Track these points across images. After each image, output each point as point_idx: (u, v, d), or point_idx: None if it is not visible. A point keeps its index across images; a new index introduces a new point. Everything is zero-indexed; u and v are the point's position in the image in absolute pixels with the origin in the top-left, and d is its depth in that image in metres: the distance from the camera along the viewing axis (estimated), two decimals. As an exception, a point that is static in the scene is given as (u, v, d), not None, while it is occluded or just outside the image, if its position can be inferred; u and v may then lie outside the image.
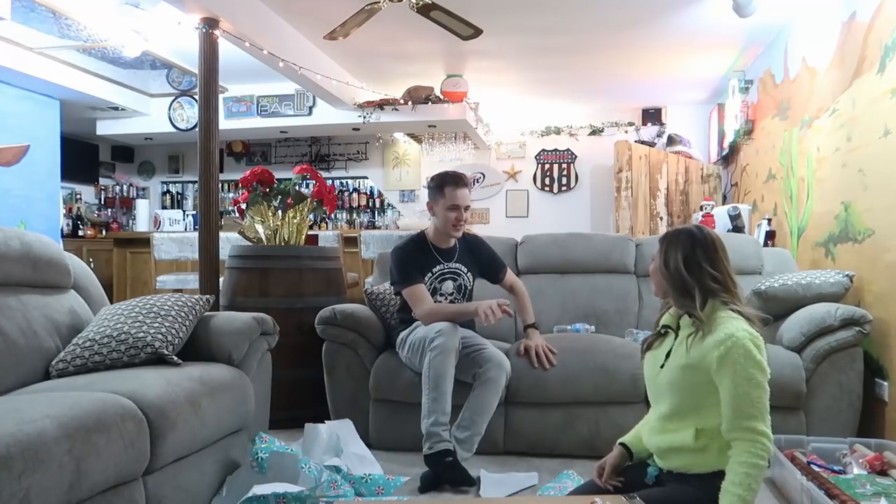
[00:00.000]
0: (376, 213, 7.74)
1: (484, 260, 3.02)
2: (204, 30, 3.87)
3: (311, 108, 6.56)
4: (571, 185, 7.47)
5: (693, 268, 1.66)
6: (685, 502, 1.60)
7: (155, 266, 5.25)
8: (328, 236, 5.23)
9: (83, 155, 7.46)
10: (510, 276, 3.08)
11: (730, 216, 4.53)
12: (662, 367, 1.70)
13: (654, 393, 1.79)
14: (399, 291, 2.87)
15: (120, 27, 4.74)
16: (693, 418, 1.62)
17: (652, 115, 7.09)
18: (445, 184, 2.79)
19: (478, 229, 6.81)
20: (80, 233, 7.12)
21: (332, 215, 7.50)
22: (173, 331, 2.32)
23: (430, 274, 2.85)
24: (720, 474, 1.57)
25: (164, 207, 7.94)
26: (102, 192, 7.84)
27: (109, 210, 7.80)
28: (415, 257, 2.85)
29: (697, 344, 1.61)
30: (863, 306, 2.92)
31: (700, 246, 1.68)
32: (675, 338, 1.72)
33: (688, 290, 1.66)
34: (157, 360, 2.25)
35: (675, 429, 1.64)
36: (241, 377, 2.39)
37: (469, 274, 2.94)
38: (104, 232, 7.34)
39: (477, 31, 3.92)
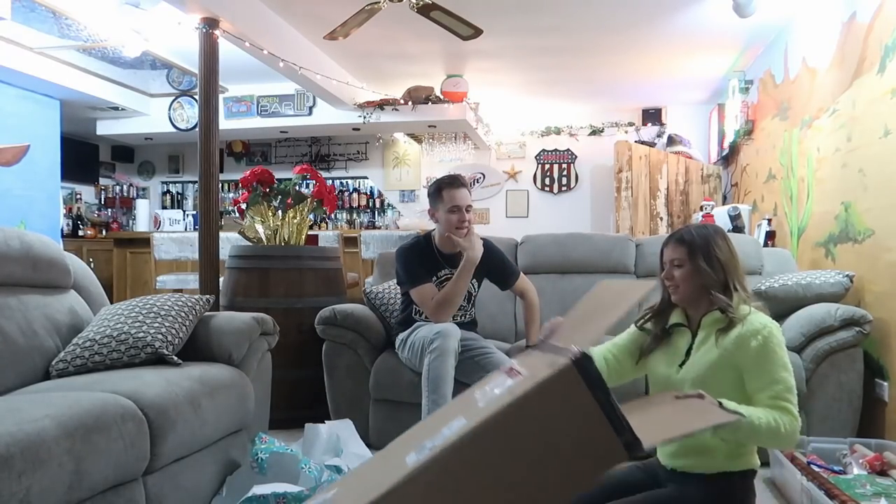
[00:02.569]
0: (376, 213, 7.74)
1: (493, 266, 2.94)
2: (204, 30, 3.87)
3: (311, 108, 6.56)
4: (571, 186, 7.47)
5: (733, 260, 1.68)
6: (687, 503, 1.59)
7: (155, 266, 5.25)
8: (328, 236, 5.23)
9: (83, 155, 7.46)
10: (522, 283, 2.97)
11: (730, 216, 4.53)
12: (682, 364, 1.68)
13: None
14: (406, 291, 2.87)
15: (120, 27, 4.74)
16: None
17: (652, 116, 7.09)
18: (442, 187, 2.76)
19: (478, 229, 6.81)
20: (80, 233, 7.12)
21: (332, 215, 7.50)
22: (173, 331, 2.32)
23: (434, 278, 2.84)
24: (724, 475, 1.57)
25: (164, 207, 7.94)
26: (102, 192, 7.84)
27: (109, 210, 7.80)
28: (420, 258, 2.84)
29: (726, 337, 1.60)
30: (863, 306, 2.92)
31: (728, 239, 1.71)
32: (694, 336, 1.69)
33: (727, 285, 1.65)
34: (157, 360, 2.24)
35: None
36: (241, 377, 2.39)
37: (474, 280, 2.91)
38: (104, 232, 7.34)
39: (477, 31, 3.92)
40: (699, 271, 1.65)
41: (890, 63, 2.80)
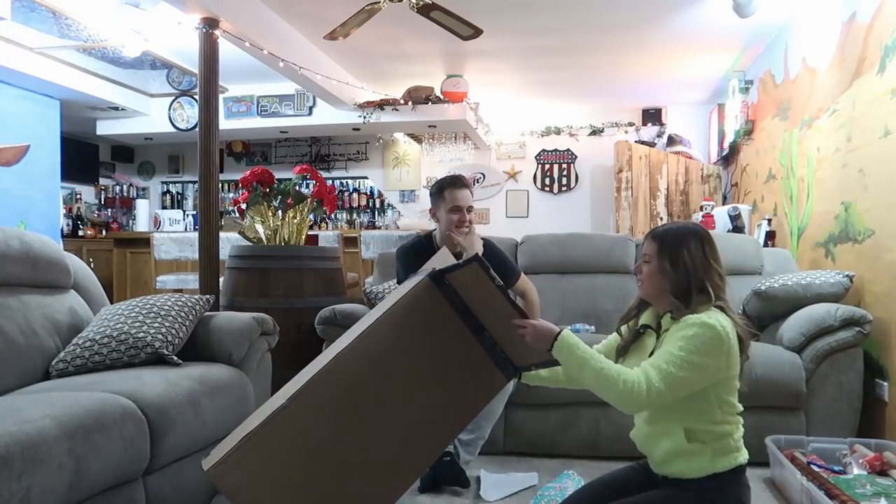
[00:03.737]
0: (376, 213, 7.74)
1: (494, 266, 2.92)
2: (204, 30, 3.87)
3: (311, 108, 6.56)
4: (571, 186, 7.47)
5: (704, 266, 1.63)
6: None
7: (155, 266, 5.25)
8: (328, 236, 5.23)
9: (83, 155, 7.46)
10: (523, 283, 2.96)
11: (730, 216, 4.53)
12: None
13: None
14: None
15: (120, 27, 4.74)
16: (678, 417, 1.59)
17: (652, 116, 7.09)
18: (444, 187, 2.76)
19: (478, 229, 6.81)
20: (80, 233, 7.12)
21: (332, 215, 7.50)
22: (173, 331, 2.32)
23: None
24: (714, 477, 1.56)
25: (164, 207, 7.94)
26: (102, 192, 7.84)
27: (109, 210, 7.80)
28: (421, 258, 2.83)
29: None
30: (863, 306, 2.92)
31: (708, 243, 1.67)
32: (658, 337, 1.69)
33: (689, 290, 1.61)
34: (157, 360, 2.25)
35: (665, 432, 1.62)
36: (241, 377, 2.39)
37: None
38: (104, 232, 7.34)
39: (477, 31, 3.92)
40: (662, 270, 1.64)
41: (890, 63, 2.80)
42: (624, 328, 1.80)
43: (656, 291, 1.68)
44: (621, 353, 1.76)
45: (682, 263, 1.62)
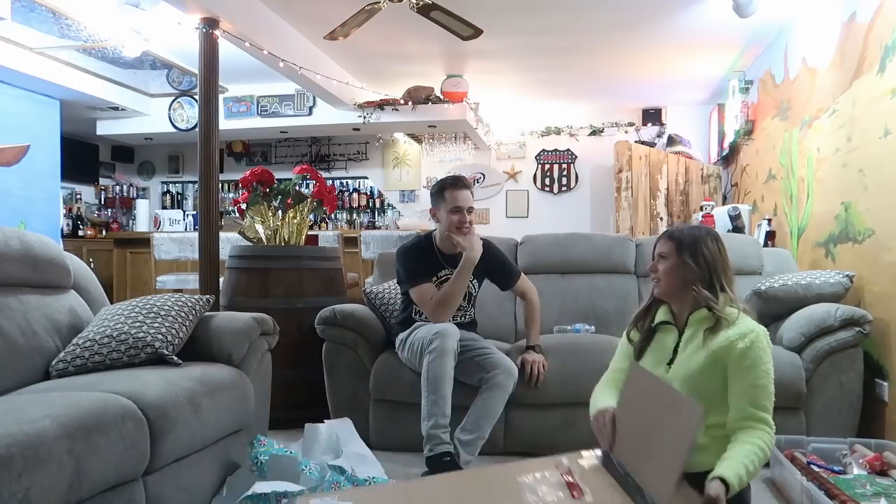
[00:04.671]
0: (376, 213, 7.74)
1: (494, 267, 2.94)
2: (204, 30, 3.87)
3: (311, 108, 6.57)
4: (571, 186, 7.47)
5: (721, 261, 1.72)
6: None
7: (155, 266, 5.26)
8: (328, 236, 5.23)
9: (83, 155, 7.46)
10: (523, 284, 2.96)
11: (730, 216, 4.53)
12: (670, 363, 1.69)
13: None
14: (406, 291, 2.87)
15: (120, 27, 4.74)
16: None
17: (652, 116, 7.09)
18: (445, 187, 2.77)
19: (478, 230, 6.81)
20: (80, 233, 7.12)
21: (332, 215, 7.50)
22: (173, 331, 2.32)
23: (435, 278, 2.84)
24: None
25: (164, 207, 7.95)
26: (102, 192, 7.85)
27: (109, 210, 7.81)
28: (420, 258, 2.84)
29: (713, 337, 1.62)
30: (863, 307, 2.92)
31: (720, 242, 1.75)
32: (681, 334, 1.71)
33: (712, 284, 1.69)
34: (157, 360, 2.24)
35: None
36: (241, 377, 2.39)
37: (474, 281, 2.90)
38: (104, 232, 7.34)
39: (477, 31, 3.92)
40: (683, 265, 1.70)
41: (890, 63, 2.80)
42: (633, 330, 1.83)
43: (675, 287, 1.73)
44: (639, 355, 1.78)
45: (703, 256, 1.70)
